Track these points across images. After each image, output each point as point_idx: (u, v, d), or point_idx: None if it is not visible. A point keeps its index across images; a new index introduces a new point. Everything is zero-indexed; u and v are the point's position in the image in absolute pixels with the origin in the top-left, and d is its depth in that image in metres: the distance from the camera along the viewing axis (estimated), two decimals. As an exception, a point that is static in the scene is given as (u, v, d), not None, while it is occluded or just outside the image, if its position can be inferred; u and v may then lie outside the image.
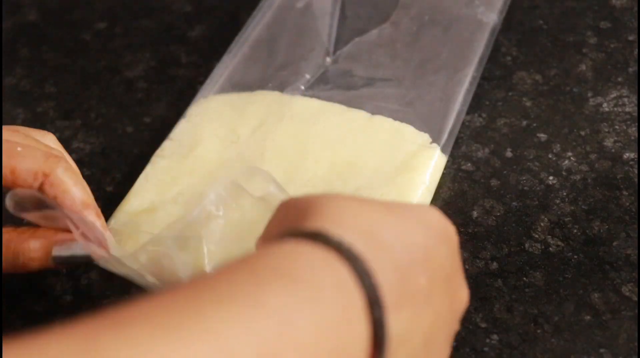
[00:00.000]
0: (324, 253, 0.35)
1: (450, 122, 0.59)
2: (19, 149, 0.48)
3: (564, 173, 0.57)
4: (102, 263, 0.50)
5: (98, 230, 0.49)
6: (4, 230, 0.49)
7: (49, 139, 0.52)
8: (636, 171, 0.57)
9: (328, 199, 0.39)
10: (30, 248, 0.48)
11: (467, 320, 0.50)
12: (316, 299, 0.34)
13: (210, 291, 0.33)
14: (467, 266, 0.53)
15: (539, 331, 0.50)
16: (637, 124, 0.60)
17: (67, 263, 0.49)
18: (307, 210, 0.38)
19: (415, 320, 0.37)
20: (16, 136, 0.49)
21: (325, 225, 0.37)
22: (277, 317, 0.32)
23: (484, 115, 0.62)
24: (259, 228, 0.43)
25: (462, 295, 0.42)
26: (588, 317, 0.50)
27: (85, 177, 0.60)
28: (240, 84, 0.63)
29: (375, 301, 0.35)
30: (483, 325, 0.50)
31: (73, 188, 0.48)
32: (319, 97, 0.61)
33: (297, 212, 0.39)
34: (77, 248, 0.49)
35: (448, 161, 0.58)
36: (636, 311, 0.50)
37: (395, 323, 0.36)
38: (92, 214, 0.49)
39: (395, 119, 0.59)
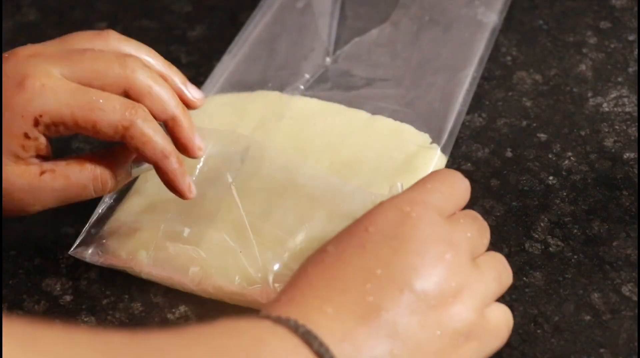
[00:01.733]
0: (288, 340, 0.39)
1: (451, 122, 0.59)
2: (101, 101, 0.48)
3: (564, 173, 0.57)
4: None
5: (179, 177, 0.50)
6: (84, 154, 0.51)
7: (144, 52, 0.53)
8: (636, 171, 0.57)
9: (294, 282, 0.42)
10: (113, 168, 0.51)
11: (467, 320, 0.50)
12: None
13: None
14: (467, 266, 0.53)
15: (539, 331, 0.50)
16: (637, 124, 0.60)
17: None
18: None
19: (373, 333, 0.39)
20: (102, 66, 0.49)
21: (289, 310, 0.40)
22: None
23: (484, 115, 0.62)
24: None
25: (446, 271, 0.41)
26: (588, 317, 0.50)
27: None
28: (240, 84, 0.63)
29: (313, 342, 0.38)
30: (483, 325, 0.50)
31: (152, 139, 0.49)
32: (319, 97, 0.61)
33: None
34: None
35: (448, 161, 0.58)
36: (636, 311, 0.50)
37: (352, 347, 0.39)
38: (174, 163, 0.50)
39: (395, 119, 0.59)
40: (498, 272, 0.44)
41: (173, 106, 0.50)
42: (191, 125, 0.51)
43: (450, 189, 0.45)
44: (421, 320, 0.40)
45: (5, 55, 0.51)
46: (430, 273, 0.41)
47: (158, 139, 0.49)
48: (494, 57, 0.65)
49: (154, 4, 0.72)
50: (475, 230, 0.45)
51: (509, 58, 0.66)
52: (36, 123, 0.48)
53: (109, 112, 0.48)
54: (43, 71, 0.49)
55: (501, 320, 0.44)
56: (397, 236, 0.42)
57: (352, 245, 0.42)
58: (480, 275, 0.43)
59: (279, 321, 0.39)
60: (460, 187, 0.46)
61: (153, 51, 0.53)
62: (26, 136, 0.48)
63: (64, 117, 0.48)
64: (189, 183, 0.51)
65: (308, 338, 0.38)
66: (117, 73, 0.49)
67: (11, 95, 0.48)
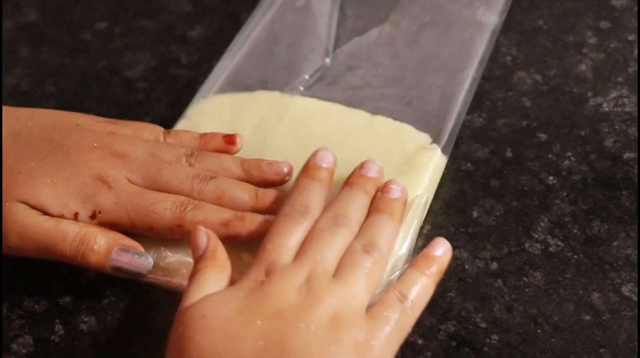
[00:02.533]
0: None
1: (451, 123, 0.59)
2: (155, 204, 0.51)
3: (564, 173, 0.57)
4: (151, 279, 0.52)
5: (253, 229, 0.52)
6: (79, 222, 0.52)
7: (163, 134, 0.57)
8: (636, 171, 0.57)
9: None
10: (96, 240, 0.51)
11: (467, 320, 0.51)
12: None
13: None
14: (467, 266, 0.53)
15: (538, 331, 0.50)
16: (637, 124, 0.60)
17: (120, 271, 0.51)
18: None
19: None
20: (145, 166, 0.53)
21: None
22: None
23: (484, 115, 0.62)
24: None
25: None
26: (588, 317, 0.50)
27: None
28: (240, 84, 0.63)
29: None
30: (483, 325, 0.50)
31: (207, 224, 0.51)
32: (318, 97, 0.61)
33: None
34: (139, 259, 0.51)
35: (448, 161, 0.58)
36: (636, 311, 0.50)
37: None
38: (238, 226, 0.52)
39: (395, 119, 0.59)
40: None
41: (247, 203, 0.53)
42: (275, 197, 0.53)
43: None
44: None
45: (109, 126, 0.55)
46: None
47: (212, 215, 0.52)
48: (494, 57, 0.65)
49: (154, 4, 0.72)
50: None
51: (509, 58, 0.66)
52: (93, 216, 0.51)
53: (161, 213, 0.51)
54: (119, 178, 0.52)
55: None
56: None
57: (227, 309, 0.46)
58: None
59: None
60: None
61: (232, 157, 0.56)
62: (75, 215, 0.51)
63: (122, 219, 0.51)
64: (263, 220, 0.52)
65: None
66: (186, 190, 0.53)
67: (79, 170, 0.52)
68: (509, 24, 0.68)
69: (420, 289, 0.48)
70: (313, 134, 0.59)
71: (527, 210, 0.55)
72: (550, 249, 0.53)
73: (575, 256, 0.53)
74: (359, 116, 0.60)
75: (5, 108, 0.55)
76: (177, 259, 0.52)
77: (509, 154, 0.59)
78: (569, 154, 0.59)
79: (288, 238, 0.49)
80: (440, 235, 0.55)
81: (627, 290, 0.51)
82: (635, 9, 0.68)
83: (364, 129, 0.59)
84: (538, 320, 0.50)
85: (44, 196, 0.51)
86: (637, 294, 0.51)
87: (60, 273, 0.54)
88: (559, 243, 0.54)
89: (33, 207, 0.51)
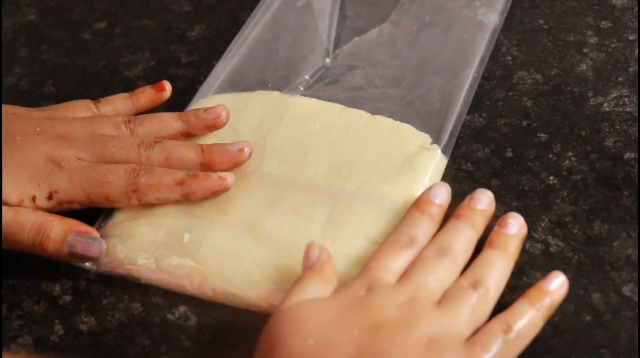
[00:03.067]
0: None
1: (451, 123, 0.59)
2: (108, 174, 0.53)
3: (564, 173, 0.57)
4: (102, 268, 0.53)
5: (211, 184, 0.54)
6: (38, 211, 0.53)
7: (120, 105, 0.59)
8: (637, 171, 0.57)
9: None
10: (53, 228, 0.52)
11: (467, 320, 0.50)
12: None
13: None
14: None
15: (539, 331, 0.49)
16: (637, 124, 0.60)
17: (76, 256, 0.52)
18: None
19: None
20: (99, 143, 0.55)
21: None
22: None
23: (484, 115, 0.62)
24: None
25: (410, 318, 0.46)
26: (588, 317, 0.50)
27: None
28: (240, 84, 0.63)
29: None
30: (483, 326, 0.50)
31: (161, 184, 0.53)
32: (318, 97, 0.61)
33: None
34: (93, 244, 0.52)
35: (448, 162, 0.58)
36: (637, 311, 0.50)
37: None
38: (193, 183, 0.53)
39: (395, 119, 0.59)
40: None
41: (195, 159, 0.55)
42: (221, 151, 0.55)
43: None
44: None
45: (44, 113, 0.57)
46: None
47: (165, 177, 0.53)
48: (494, 56, 0.65)
49: (154, 4, 0.72)
50: (433, 277, 0.49)
51: (509, 58, 0.66)
52: (50, 197, 0.53)
53: (116, 182, 0.53)
54: (68, 157, 0.54)
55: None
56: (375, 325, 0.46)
57: (326, 315, 0.46)
58: (444, 312, 0.47)
59: None
60: None
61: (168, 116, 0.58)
62: (33, 199, 0.53)
63: (78, 195, 0.53)
64: (216, 176, 0.54)
65: None
66: (134, 158, 0.54)
67: (29, 155, 0.53)
68: (510, 24, 0.68)
69: (528, 322, 0.47)
70: (313, 134, 0.59)
71: (528, 210, 0.55)
72: (551, 249, 0.53)
73: (576, 257, 0.53)
74: (359, 116, 0.60)
75: None
76: (176, 260, 0.52)
77: (509, 154, 0.59)
78: (570, 154, 0.59)
79: (392, 261, 0.49)
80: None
81: (628, 290, 0.51)
82: (636, 8, 0.68)
83: (364, 129, 0.58)
84: (538, 320, 0.50)
85: (4, 186, 0.52)
86: (638, 294, 0.51)
87: (60, 273, 0.54)
88: (560, 243, 0.54)
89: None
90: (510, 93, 0.63)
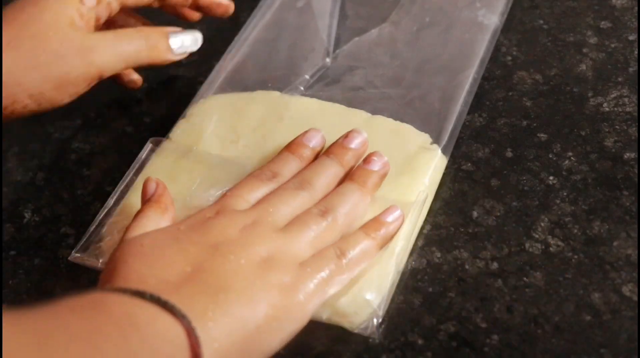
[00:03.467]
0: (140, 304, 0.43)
1: (451, 123, 0.59)
2: None
3: (564, 173, 0.57)
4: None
5: None
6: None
7: None
8: (636, 171, 0.57)
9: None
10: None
11: (467, 320, 0.50)
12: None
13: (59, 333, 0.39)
14: (467, 267, 0.53)
15: (539, 331, 0.50)
16: (637, 124, 0.60)
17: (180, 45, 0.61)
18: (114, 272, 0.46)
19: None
20: None
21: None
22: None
23: (484, 115, 0.62)
24: None
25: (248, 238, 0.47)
26: (588, 317, 0.50)
27: (85, 177, 0.61)
28: (240, 84, 0.63)
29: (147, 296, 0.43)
30: (483, 325, 0.50)
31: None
32: (319, 97, 0.61)
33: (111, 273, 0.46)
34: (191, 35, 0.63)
35: (448, 161, 0.58)
36: (637, 311, 0.50)
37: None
38: None
39: (395, 119, 0.59)
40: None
41: None
42: None
43: None
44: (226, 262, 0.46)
45: None
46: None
47: None
48: (494, 57, 0.65)
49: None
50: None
51: (509, 58, 0.66)
52: None
53: None
54: None
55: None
56: (200, 225, 0.49)
57: (165, 239, 0.48)
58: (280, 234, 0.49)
59: (136, 294, 0.43)
60: None
61: None
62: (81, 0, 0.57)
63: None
64: None
65: (171, 309, 0.42)
66: None
67: None
68: (510, 24, 0.68)
69: (361, 250, 0.49)
70: None
71: (528, 210, 0.55)
72: (551, 249, 0.53)
73: (576, 256, 0.53)
74: (359, 116, 0.60)
75: None
76: None
77: (509, 154, 0.59)
78: (570, 154, 0.59)
79: (248, 191, 0.51)
80: (440, 234, 0.55)
81: (628, 290, 0.51)
82: (636, 8, 0.68)
83: (364, 129, 0.58)
84: (538, 320, 0.50)
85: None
86: (638, 294, 0.51)
87: (60, 273, 0.54)
88: (560, 243, 0.54)
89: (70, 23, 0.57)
90: (510, 93, 0.63)
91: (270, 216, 0.49)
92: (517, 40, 0.67)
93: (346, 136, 0.55)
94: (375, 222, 0.51)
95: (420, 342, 0.50)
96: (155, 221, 0.50)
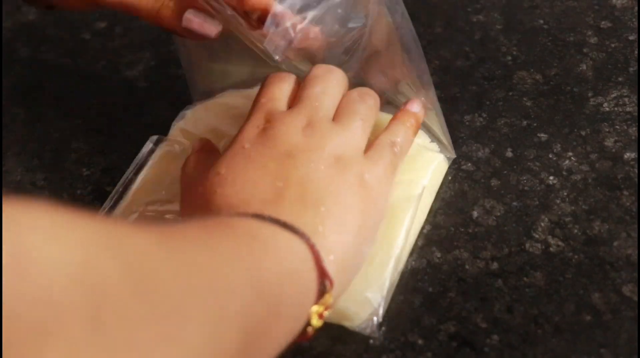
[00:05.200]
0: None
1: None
2: None
3: (564, 173, 0.57)
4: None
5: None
6: None
7: None
8: (637, 171, 0.57)
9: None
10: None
11: (467, 320, 0.50)
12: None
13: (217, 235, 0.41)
14: (467, 267, 0.53)
15: (539, 331, 0.50)
16: (637, 124, 0.60)
17: (190, 31, 0.52)
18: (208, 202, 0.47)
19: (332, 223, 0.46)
20: None
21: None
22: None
23: (484, 115, 0.62)
24: None
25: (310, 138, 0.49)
26: (589, 317, 0.50)
27: (85, 177, 0.61)
28: (240, 84, 0.63)
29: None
30: (483, 325, 0.50)
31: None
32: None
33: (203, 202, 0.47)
34: (211, 22, 0.52)
35: (448, 161, 0.58)
36: (637, 311, 0.50)
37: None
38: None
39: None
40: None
41: None
42: None
43: None
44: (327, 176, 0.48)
45: None
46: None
47: None
48: (494, 56, 0.65)
49: (153, 4, 0.72)
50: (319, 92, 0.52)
51: (509, 58, 0.66)
52: None
53: None
54: None
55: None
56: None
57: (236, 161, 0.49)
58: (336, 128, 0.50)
59: (254, 216, 0.44)
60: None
61: None
62: None
63: None
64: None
65: (291, 228, 0.44)
66: None
67: None
68: (509, 24, 0.68)
69: (405, 138, 0.53)
70: None
71: (528, 210, 0.55)
72: (551, 249, 0.53)
73: (576, 257, 0.53)
74: None
75: None
76: None
77: (509, 154, 0.59)
78: (570, 154, 0.59)
79: (279, 92, 0.52)
80: (440, 234, 0.55)
81: (628, 290, 0.51)
82: (636, 8, 0.68)
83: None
84: (539, 320, 0.50)
85: None
86: (638, 294, 0.51)
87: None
88: (560, 243, 0.54)
89: None
90: (510, 93, 0.63)
91: (320, 111, 0.51)
92: (517, 40, 0.67)
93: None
94: (405, 113, 0.55)
95: (420, 341, 0.50)
96: (206, 156, 0.51)
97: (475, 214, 0.56)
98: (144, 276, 0.33)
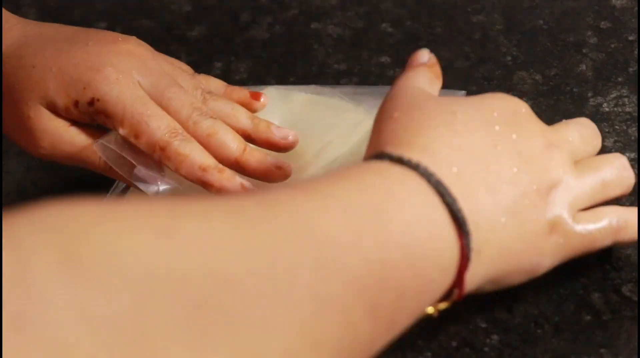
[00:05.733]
0: (399, 169, 0.42)
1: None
2: (151, 116, 0.51)
3: (564, 173, 0.57)
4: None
5: (226, 184, 0.51)
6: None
7: (213, 84, 0.57)
8: (636, 171, 0.57)
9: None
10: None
11: (467, 320, 0.50)
12: (395, 199, 0.40)
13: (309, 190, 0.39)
14: (467, 266, 0.53)
15: (539, 331, 0.50)
16: (637, 124, 0.60)
17: (105, 154, 0.52)
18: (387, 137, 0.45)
19: (492, 201, 0.43)
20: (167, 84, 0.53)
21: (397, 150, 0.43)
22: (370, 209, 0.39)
23: (484, 115, 0.62)
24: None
25: (549, 162, 0.46)
26: (588, 317, 0.50)
27: (86, 177, 0.60)
28: (239, 83, 0.63)
29: (444, 193, 0.41)
30: (483, 325, 0.50)
31: (188, 158, 0.51)
32: (317, 94, 0.61)
33: (379, 139, 0.45)
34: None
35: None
36: (636, 311, 0.50)
37: (472, 207, 0.42)
38: (214, 174, 0.51)
39: None
40: (601, 177, 0.48)
41: (233, 152, 0.52)
42: (260, 159, 0.53)
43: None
44: (532, 201, 0.45)
45: (119, 37, 0.54)
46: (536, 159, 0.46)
47: (195, 156, 0.51)
48: (494, 57, 0.65)
49: (153, 4, 0.72)
50: (579, 136, 0.49)
51: (509, 58, 0.66)
52: (91, 103, 0.51)
53: (153, 130, 0.51)
54: (130, 72, 0.52)
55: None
56: (515, 124, 0.47)
57: (480, 119, 0.46)
58: (578, 174, 0.47)
59: (409, 165, 0.42)
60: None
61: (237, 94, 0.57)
62: (75, 104, 0.52)
63: (117, 114, 0.51)
64: (239, 183, 0.51)
65: (439, 189, 0.41)
66: (184, 115, 0.52)
67: (90, 58, 0.52)
68: (509, 24, 0.68)
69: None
70: (312, 130, 0.58)
71: (528, 210, 0.55)
72: (551, 249, 0.53)
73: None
74: (359, 113, 0.59)
75: (32, 22, 0.56)
76: None
77: (509, 154, 0.59)
78: (569, 154, 0.58)
79: None
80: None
81: (628, 290, 0.51)
82: (636, 8, 0.68)
83: (363, 126, 0.58)
84: (538, 320, 0.50)
85: (52, 89, 0.52)
86: (637, 294, 0.51)
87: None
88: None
89: (47, 106, 0.52)
90: (510, 93, 0.63)
91: (570, 146, 0.48)
92: (517, 40, 0.67)
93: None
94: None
95: (420, 341, 0.50)
96: (430, 80, 0.49)
97: (475, 214, 0.56)
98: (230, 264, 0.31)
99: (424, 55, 0.50)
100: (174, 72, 0.55)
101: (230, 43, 0.66)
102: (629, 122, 0.60)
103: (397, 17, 0.68)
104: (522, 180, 0.45)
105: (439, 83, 0.50)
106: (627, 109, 0.61)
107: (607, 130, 0.60)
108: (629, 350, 0.48)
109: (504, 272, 0.46)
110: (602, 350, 0.49)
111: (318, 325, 0.34)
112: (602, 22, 0.68)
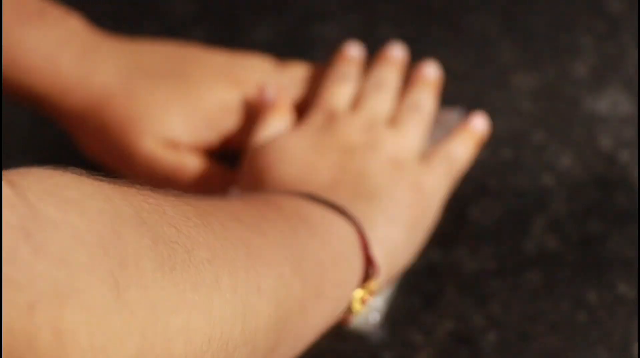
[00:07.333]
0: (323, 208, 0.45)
1: None
2: None
3: (560, 173, 0.58)
4: None
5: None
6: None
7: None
8: (631, 172, 0.57)
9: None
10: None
11: (464, 318, 0.51)
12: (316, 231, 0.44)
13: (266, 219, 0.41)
14: (465, 265, 0.53)
15: (535, 329, 0.50)
16: (632, 125, 0.60)
17: None
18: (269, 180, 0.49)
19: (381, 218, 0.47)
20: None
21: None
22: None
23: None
24: None
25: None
26: (584, 315, 0.50)
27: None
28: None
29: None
30: (481, 323, 0.51)
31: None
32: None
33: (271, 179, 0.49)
34: None
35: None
36: (631, 309, 0.50)
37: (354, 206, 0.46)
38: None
39: None
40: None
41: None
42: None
43: None
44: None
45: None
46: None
47: None
48: (491, 60, 0.65)
49: (154, 5, 0.73)
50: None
51: (506, 59, 0.66)
52: (173, 145, 0.53)
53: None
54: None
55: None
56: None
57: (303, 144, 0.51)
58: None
59: (306, 196, 0.45)
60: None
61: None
62: (173, 142, 0.53)
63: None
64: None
65: (342, 212, 0.45)
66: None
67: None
68: (509, 25, 0.68)
69: (464, 152, 0.54)
70: None
71: (524, 210, 0.56)
72: (547, 248, 0.54)
73: (572, 256, 0.53)
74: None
75: (114, 39, 0.57)
76: None
77: (506, 154, 0.59)
78: (566, 154, 0.59)
79: (342, 91, 0.54)
80: (439, 234, 0.55)
81: (622, 288, 0.52)
82: (632, 12, 0.69)
83: None
84: (535, 318, 0.50)
85: (177, 128, 0.53)
86: (634, 292, 0.51)
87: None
88: (556, 242, 0.54)
89: (166, 140, 0.53)
90: (508, 94, 0.63)
91: (379, 114, 0.53)
92: (514, 42, 0.67)
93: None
94: (468, 129, 0.55)
95: (419, 339, 0.50)
96: (277, 127, 0.52)
97: (472, 214, 0.56)
98: (169, 245, 0.32)
99: (268, 94, 0.54)
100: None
101: (230, 43, 0.66)
102: (624, 124, 0.61)
103: (396, 20, 0.69)
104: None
105: (286, 121, 0.53)
106: (623, 111, 0.61)
107: (602, 131, 0.60)
108: (623, 347, 0.49)
109: (403, 227, 0.48)
110: (598, 348, 0.49)
111: (256, 275, 0.36)
112: (600, 25, 0.68)
